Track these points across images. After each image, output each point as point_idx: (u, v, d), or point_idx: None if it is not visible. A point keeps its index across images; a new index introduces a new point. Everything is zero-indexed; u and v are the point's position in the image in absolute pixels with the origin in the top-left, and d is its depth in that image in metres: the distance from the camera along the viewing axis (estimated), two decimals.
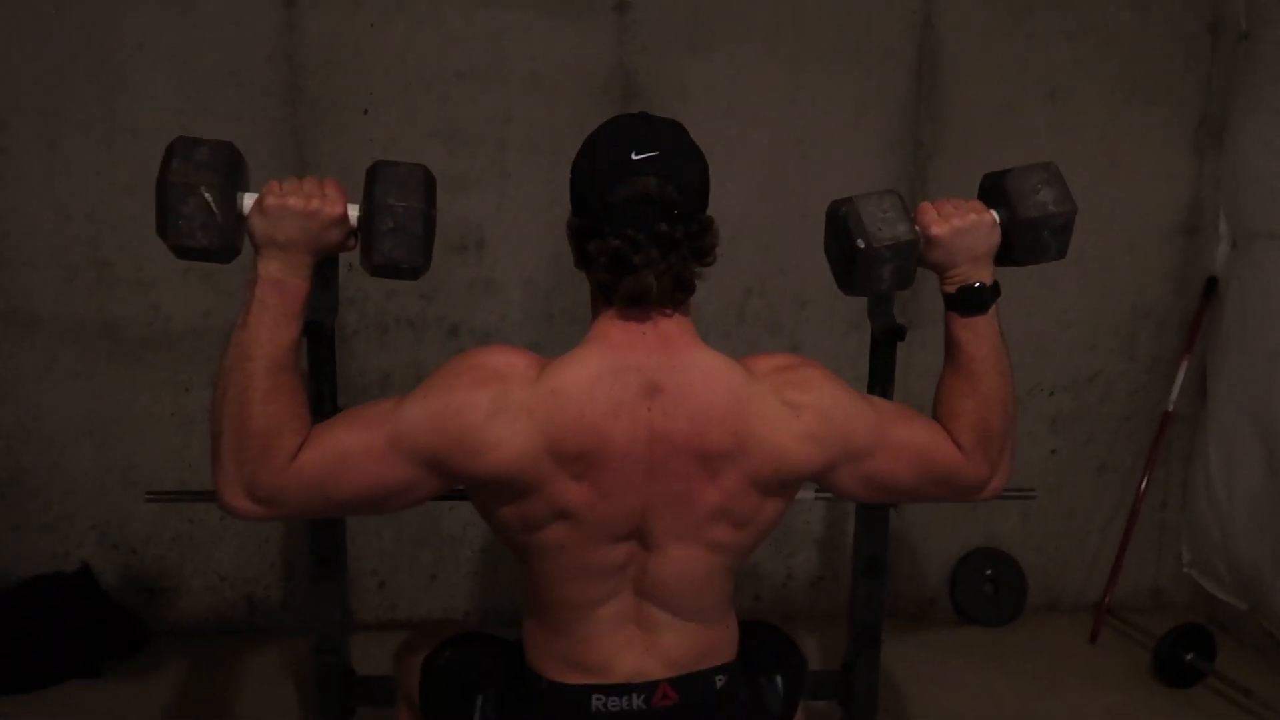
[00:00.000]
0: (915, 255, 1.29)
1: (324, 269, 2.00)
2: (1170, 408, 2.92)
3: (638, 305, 1.16)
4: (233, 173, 1.20)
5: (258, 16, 2.59)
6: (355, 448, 1.14)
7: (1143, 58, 2.85)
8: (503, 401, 1.12)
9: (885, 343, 1.85)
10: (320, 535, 1.96)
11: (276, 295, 1.16)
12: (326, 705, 1.96)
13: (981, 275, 1.30)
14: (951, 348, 1.33)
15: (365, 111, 2.64)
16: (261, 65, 2.61)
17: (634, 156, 1.14)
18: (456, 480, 1.17)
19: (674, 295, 1.16)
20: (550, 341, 2.77)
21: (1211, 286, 2.91)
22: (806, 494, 2.01)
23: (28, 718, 2.35)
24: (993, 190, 1.36)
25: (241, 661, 2.67)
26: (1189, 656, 2.56)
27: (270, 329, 1.15)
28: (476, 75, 2.66)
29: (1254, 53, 2.76)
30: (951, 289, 1.31)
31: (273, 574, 2.84)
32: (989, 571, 3.02)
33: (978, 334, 1.30)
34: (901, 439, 1.26)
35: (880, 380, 1.86)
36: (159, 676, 2.56)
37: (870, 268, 1.27)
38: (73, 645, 2.57)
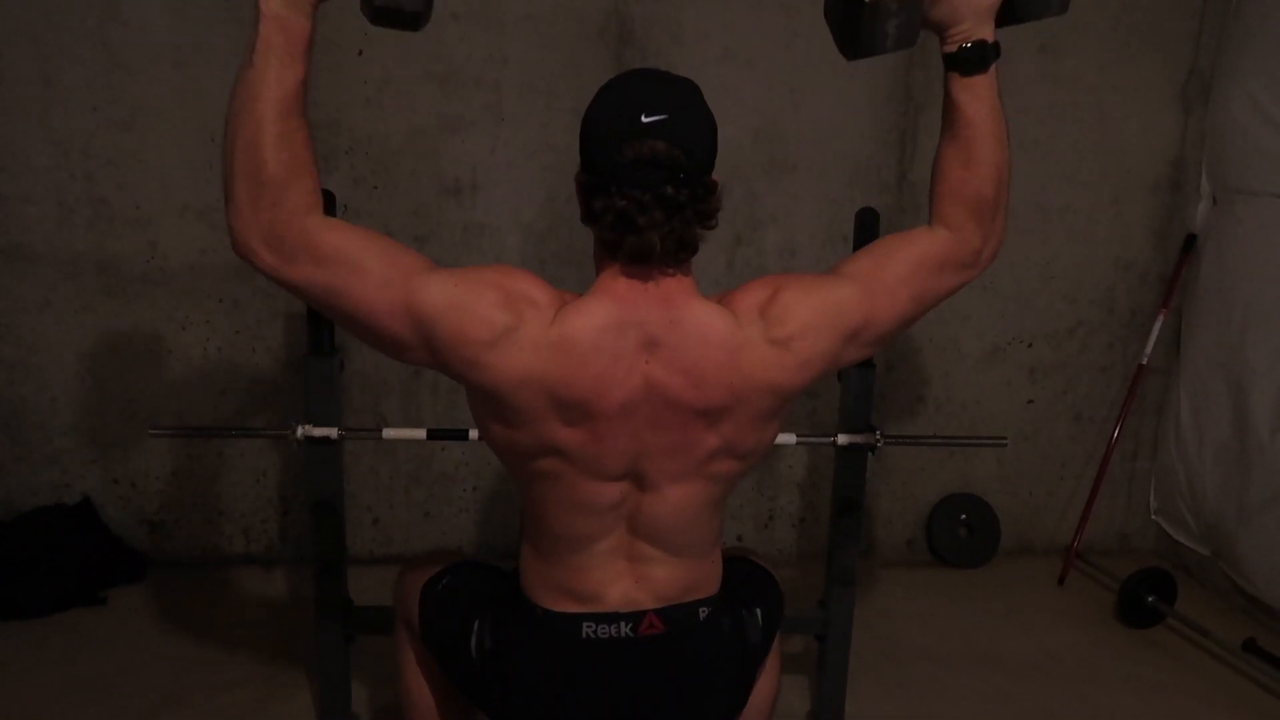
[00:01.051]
0: (920, 8, 1.28)
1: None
2: (1145, 360, 3.00)
3: (641, 264, 1.20)
4: None
5: None
6: (374, 273, 1.16)
7: (1135, 11, 2.86)
8: (516, 332, 1.16)
9: None
10: (319, 477, 2.03)
11: (280, 34, 1.14)
12: (326, 632, 2.05)
13: (983, 33, 1.30)
14: (950, 111, 1.33)
15: (360, 52, 2.65)
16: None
17: (644, 119, 1.15)
18: (444, 369, 1.21)
19: (677, 255, 1.20)
20: None
21: (1190, 243, 2.97)
22: (789, 438, 2.09)
23: (33, 642, 2.43)
24: None
25: (239, 592, 2.75)
26: (1150, 599, 2.68)
27: (277, 69, 1.14)
28: (472, 16, 2.66)
29: (1245, 8, 2.78)
30: (953, 48, 1.30)
31: (269, 508, 2.92)
32: (964, 516, 3.12)
33: (977, 95, 1.30)
34: (889, 283, 1.30)
35: None
36: (159, 605, 2.64)
37: (876, 22, 1.25)
38: (75, 574, 2.65)
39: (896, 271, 1.31)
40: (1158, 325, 2.98)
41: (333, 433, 1.98)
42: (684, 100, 1.21)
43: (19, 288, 2.67)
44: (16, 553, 2.64)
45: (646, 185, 1.16)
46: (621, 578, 1.31)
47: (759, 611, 1.48)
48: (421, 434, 2.06)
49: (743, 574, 1.53)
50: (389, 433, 2.06)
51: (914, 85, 2.84)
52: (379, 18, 1.23)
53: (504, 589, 1.43)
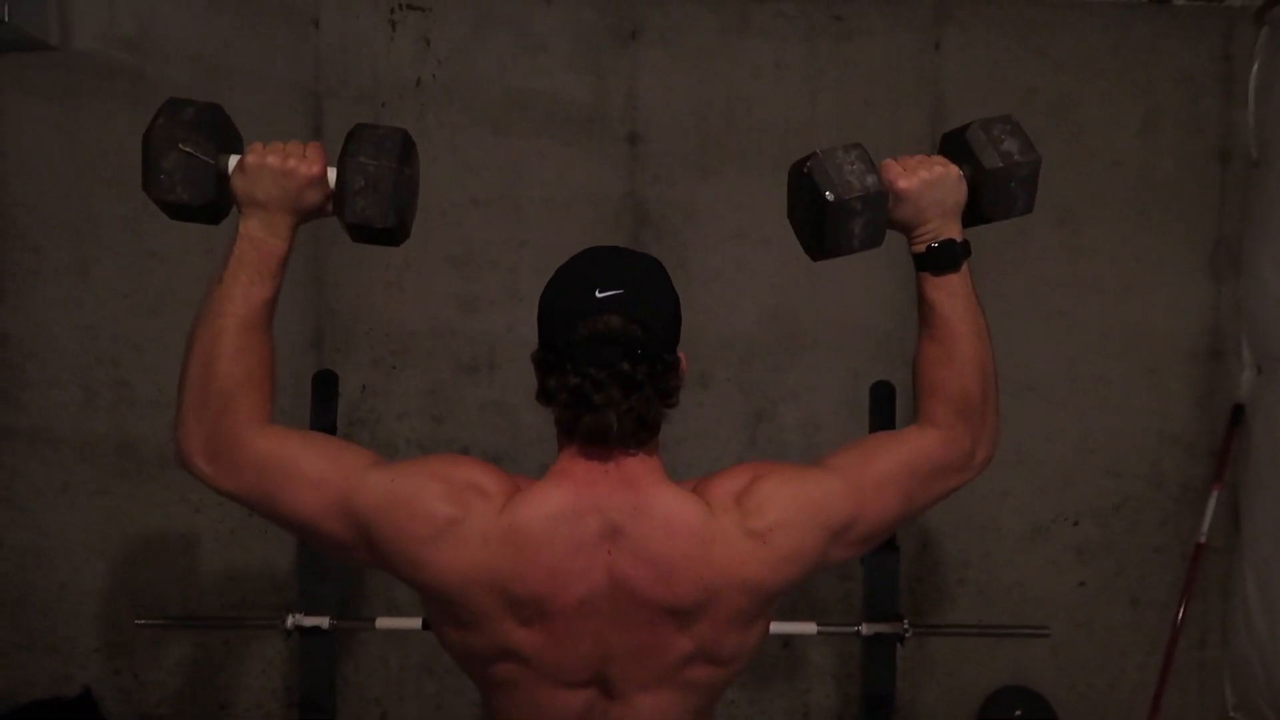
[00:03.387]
0: (885, 208, 1.26)
1: (326, 385, 2.03)
2: (1203, 539, 2.80)
3: (599, 444, 1.13)
4: (216, 132, 1.21)
5: None
6: (309, 473, 1.13)
7: (1152, 183, 2.85)
8: (461, 524, 1.10)
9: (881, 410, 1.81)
10: (310, 669, 1.93)
11: (254, 253, 1.18)
12: None
13: (951, 231, 1.27)
14: (925, 312, 1.29)
15: None
16: None
17: (598, 294, 1.12)
18: (389, 569, 1.15)
19: (637, 435, 1.13)
20: None
21: (1239, 414, 2.83)
22: (809, 627, 1.95)
23: None
24: (955, 146, 1.32)
25: None
26: None
27: (245, 286, 1.16)
28: (492, 202, 2.74)
29: (1266, 180, 2.75)
30: (921, 248, 1.27)
31: (273, 700, 2.78)
32: (1019, 712, 2.86)
33: (951, 293, 1.26)
34: (877, 480, 1.22)
35: None
36: None
37: (840, 222, 1.23)
38: None
39: (884, 470, 1.24)
40: (1212, 501, 2.80)
41: (324, 622, 1.90)
42: (641, 274, 1.18)
43: (38, 471, 2.68)
44: None
45: (602, 362, 1.11)
46: None
47: None
48: (417, 623, 1.96)
49: None
50: (383, 622, 1.98)
51: None
52: (355, 233, 1.26)
53: None
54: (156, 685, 2.75)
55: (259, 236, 1.19)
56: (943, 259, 1.27)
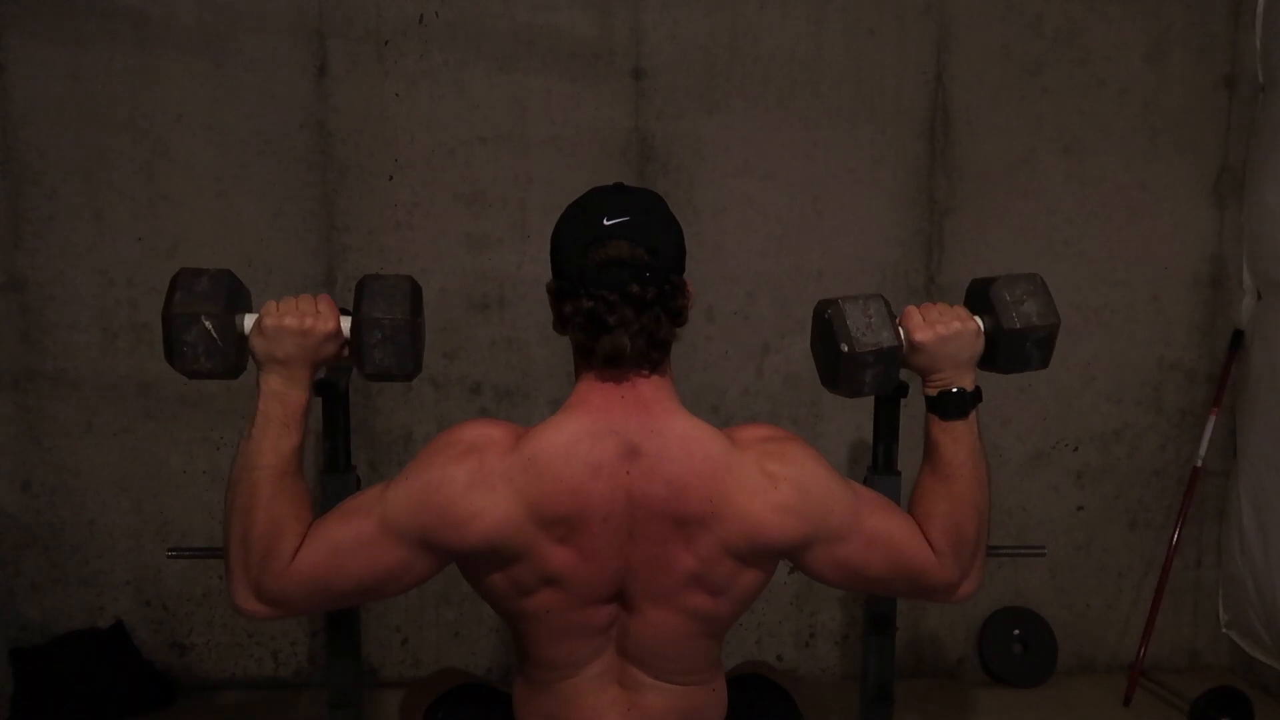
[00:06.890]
0: (898, 361, 1.31)
1: None
2: (1200, 463, 2.86)
3: (614, 365, 1.19)
4: (232, 299, 1.28)
5: (292, 88, 2.71)
6: (348, 539, 1.19)
7: (1159, 110, 2.85)
8: (480, 473, 1.16)
9: (888, 400, 1.86)
10: None
11: (279, 407, 1.23)
12: None
13: (964, 381, 1.32)
14: (930, 449, 1.34)
15: (391, 177, 2.74)
16: (294, 134, 2.72)
17: (606, 222, 1.19)
18: (448, 555, 1.20)
19: (649, 354, 1.20)
20: None
21: (1238, 339, 2.87)
22: None
23: None
24: (978, 297, 1.38)
25: (266, 717, 2.70)
26: None
27: (274, 440, 1.22)
28: (498, 139, 2.75)
29: (1272, 105, 2.75)
30: (933, 392, 1.33)
31: (298, 630, 2.89)
32: (1018, 631, 2.96)
33: (956, 438, 1.31)
34: (876, 529, 1.26)
35: (884, 436, 1.87)
36: None
37: (853, 371, 1.29)
38: (104, 701, 2.63)
39: (888, 530, 1.28)
40: (1210, 426, 2.86)
41: None
42: (645, 205, 1.24)
43: (63, 411, 2.75)
44: (47, 679, 2.63)
45: (613, 285, 1.17)
46: (614, 706, 1.25)
47: None
48: None
49: (753, 696, 1.46)
50: None
51: (937, 191, 2.84)
52: (373, 379, 1.32)
53: (503, 718, 1.37)
54: (186, 616, 2.85)
55: (281, 391, 1.24)
56: (951, 407, 1.31)
